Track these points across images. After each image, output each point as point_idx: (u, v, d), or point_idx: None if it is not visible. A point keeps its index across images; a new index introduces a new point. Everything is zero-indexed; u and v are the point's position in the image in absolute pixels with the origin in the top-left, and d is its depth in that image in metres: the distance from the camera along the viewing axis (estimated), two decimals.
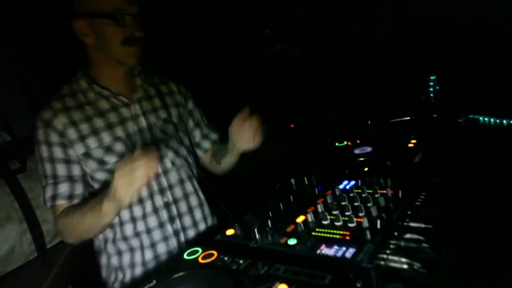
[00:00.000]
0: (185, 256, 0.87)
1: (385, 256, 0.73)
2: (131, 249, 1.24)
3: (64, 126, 1.16)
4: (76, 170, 1.18)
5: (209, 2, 2.21)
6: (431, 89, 1.99)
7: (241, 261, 0.78)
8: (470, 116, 1.57)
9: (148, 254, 1.24)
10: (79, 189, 1.17)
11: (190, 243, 1.22)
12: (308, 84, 2.35)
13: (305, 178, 1.15)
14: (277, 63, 2.36)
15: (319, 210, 0.93)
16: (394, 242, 0.77)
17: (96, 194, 1.15)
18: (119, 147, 1.21)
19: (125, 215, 1.22)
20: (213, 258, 0.83)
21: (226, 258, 0.81)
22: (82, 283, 1.57)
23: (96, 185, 1.22)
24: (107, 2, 1.12)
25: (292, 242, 0.81)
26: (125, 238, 1.23)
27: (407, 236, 0.79)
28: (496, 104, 1.53)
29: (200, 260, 0.83)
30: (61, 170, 1.16)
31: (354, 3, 1.98)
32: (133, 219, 1.22)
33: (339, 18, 2.10)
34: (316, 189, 1.07)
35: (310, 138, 2.06)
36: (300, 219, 0.91)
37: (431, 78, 1.99)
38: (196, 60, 2.18)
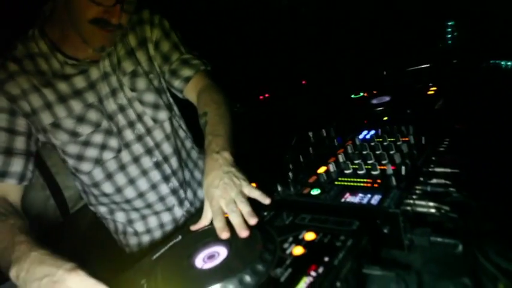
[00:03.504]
0: None
1: (411, 201, 0.72)
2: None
3: (24, 92, 0.99)
4: (19, 143, 0.99)
5: None
6: (449, 35, 1.90)
7: (265, 213, 0.77)
8: (491, 62, 1.51)
9: (153, 221, 1.23)
10: (17, 166, 0.98)
11: None
12: (318, 37, 2.27)
13: (323, 130, 1.13)
14: (285, 18, 2.27)
15: (341, 160, 0.91)
16: (420, 187, 0.75)
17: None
18: (93, 115, 1.07)
19: (109, 187, 1.15)
20: None
21: None
22: (108, 244, 1.62)
23: (69, 160, 1.09)
24: None
25: (315, 192, 0.80)
26: (121, 205, 1.21)
27: (434, 181, 0.77)
28: None
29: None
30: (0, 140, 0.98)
31: None
32: (118, 190, 1.16)
33: None
34: (335, 141, 1.05)
35: (324, 93, 2.01)
36: (322, 169, 0.90)
37: (449, 23, 1.90)
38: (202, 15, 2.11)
